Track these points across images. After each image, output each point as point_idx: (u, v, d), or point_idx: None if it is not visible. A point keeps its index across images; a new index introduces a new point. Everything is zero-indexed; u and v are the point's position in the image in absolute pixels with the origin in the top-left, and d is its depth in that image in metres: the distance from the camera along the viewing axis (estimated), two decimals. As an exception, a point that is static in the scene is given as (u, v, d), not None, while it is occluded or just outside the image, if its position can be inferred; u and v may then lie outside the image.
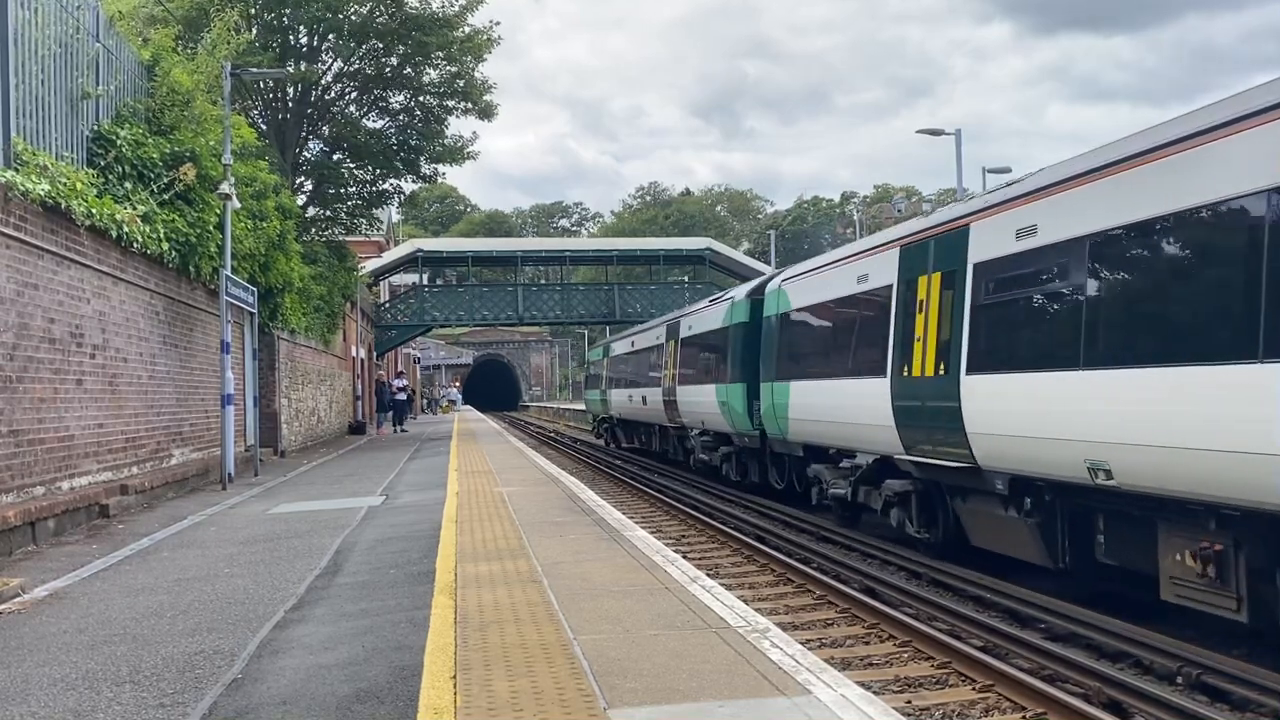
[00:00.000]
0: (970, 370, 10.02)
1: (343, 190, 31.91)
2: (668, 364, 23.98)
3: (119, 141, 13.79)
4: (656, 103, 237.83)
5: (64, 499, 11.00)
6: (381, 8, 28.11)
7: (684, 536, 14.78)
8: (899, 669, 7.81)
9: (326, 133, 30.93)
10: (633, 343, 30.62)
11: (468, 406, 78.40)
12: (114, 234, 12.74)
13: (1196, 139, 7.22)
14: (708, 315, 20.96)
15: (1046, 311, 8.97)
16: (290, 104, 29.52)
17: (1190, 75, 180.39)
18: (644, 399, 27.06)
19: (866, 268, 13.12)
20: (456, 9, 29.16)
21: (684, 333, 22.93)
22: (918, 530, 11.73)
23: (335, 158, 31.28)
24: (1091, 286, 8.20)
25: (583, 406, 74.80)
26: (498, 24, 30.23)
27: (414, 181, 33.15)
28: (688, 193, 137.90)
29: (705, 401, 20.18)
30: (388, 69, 29.82)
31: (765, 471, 17.86)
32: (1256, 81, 7.38)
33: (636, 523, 11.94)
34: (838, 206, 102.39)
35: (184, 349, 16.42)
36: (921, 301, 11.30)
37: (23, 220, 10.37)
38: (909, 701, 6.94)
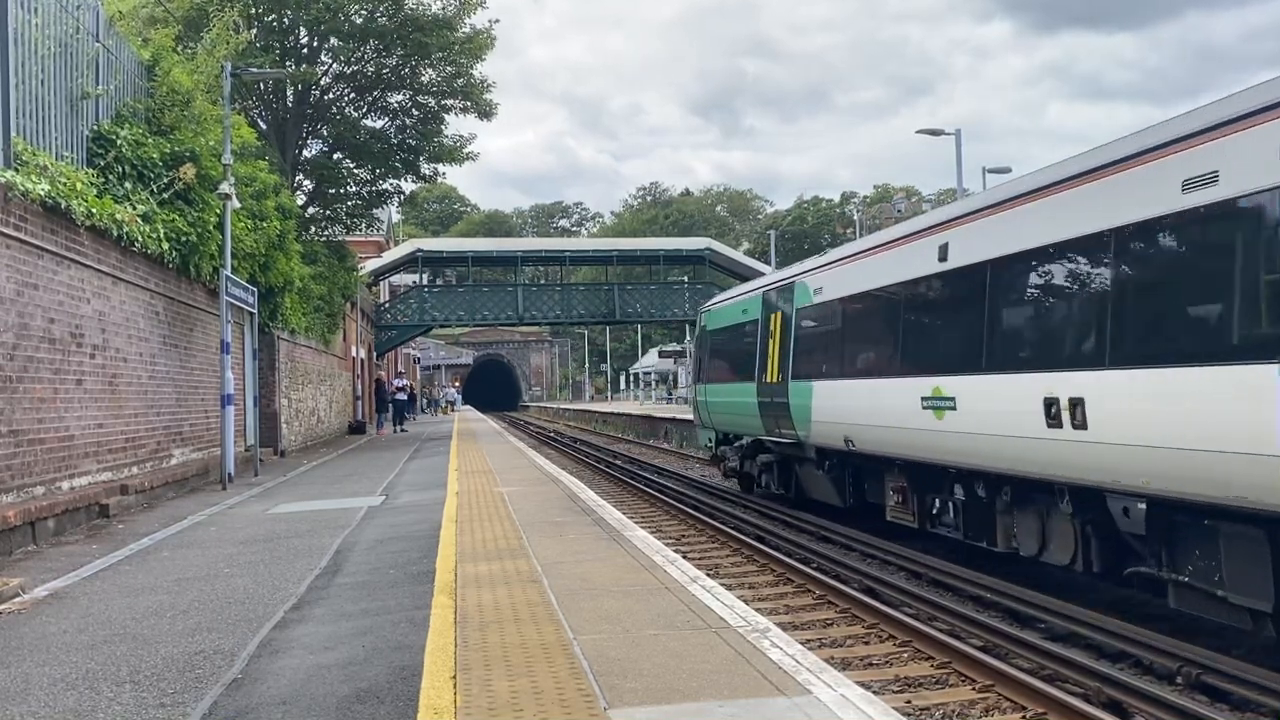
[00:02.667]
0: None
1: (342, 190, 31.95)
2: None
3: (119, 141, 13.79)
4: (655, 101, 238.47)
5: (64, 499, 11.00)
6: (382, 9, 28.12)
7: (684, 536, 14.78)
8: (899, 669, 7.81)
9: (326, 133, 30.96)
10: (979, 237, 10.04)
11: (467, 406, 78.43)
12: (114, 234, 12.74)
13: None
14: None
15: None
16: (290, 104, 29.53)
17: (1192, 74, 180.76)
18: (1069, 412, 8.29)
19: None
20: (455, 9, 29.19)
21: None
22: None
23: (335, 157, 31.31)
24: None
25: (583, 407, 74.15)
26: (496, 22, 30.27)
27: (414, 181, 33.21)
28: (688, 193, 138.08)
29: None
30: (386, 69, 29.85)
31: None
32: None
33: (636, 523, 11.93)
34: (838, 206, 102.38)
35: (184, 349, 16.42)
36: None
37: (23, 220, 10.37)
38: (909, 701, 6.94)
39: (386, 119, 31.69)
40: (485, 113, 31.23)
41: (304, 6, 26.74)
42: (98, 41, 13.84)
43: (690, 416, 38.10)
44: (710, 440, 20.97)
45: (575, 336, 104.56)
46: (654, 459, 30.46)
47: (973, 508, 10.53)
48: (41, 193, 10.57)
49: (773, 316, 16.23)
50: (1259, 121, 6.52)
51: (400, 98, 31.19)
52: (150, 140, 14.87)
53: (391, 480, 16.71)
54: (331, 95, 30.65)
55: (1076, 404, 8.15)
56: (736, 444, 18.89)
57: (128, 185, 13.87)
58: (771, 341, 16.07)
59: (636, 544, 9.06)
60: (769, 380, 15.98)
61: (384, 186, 32.19)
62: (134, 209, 13.53)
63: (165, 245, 14.62)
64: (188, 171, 15.17)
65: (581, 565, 8.03)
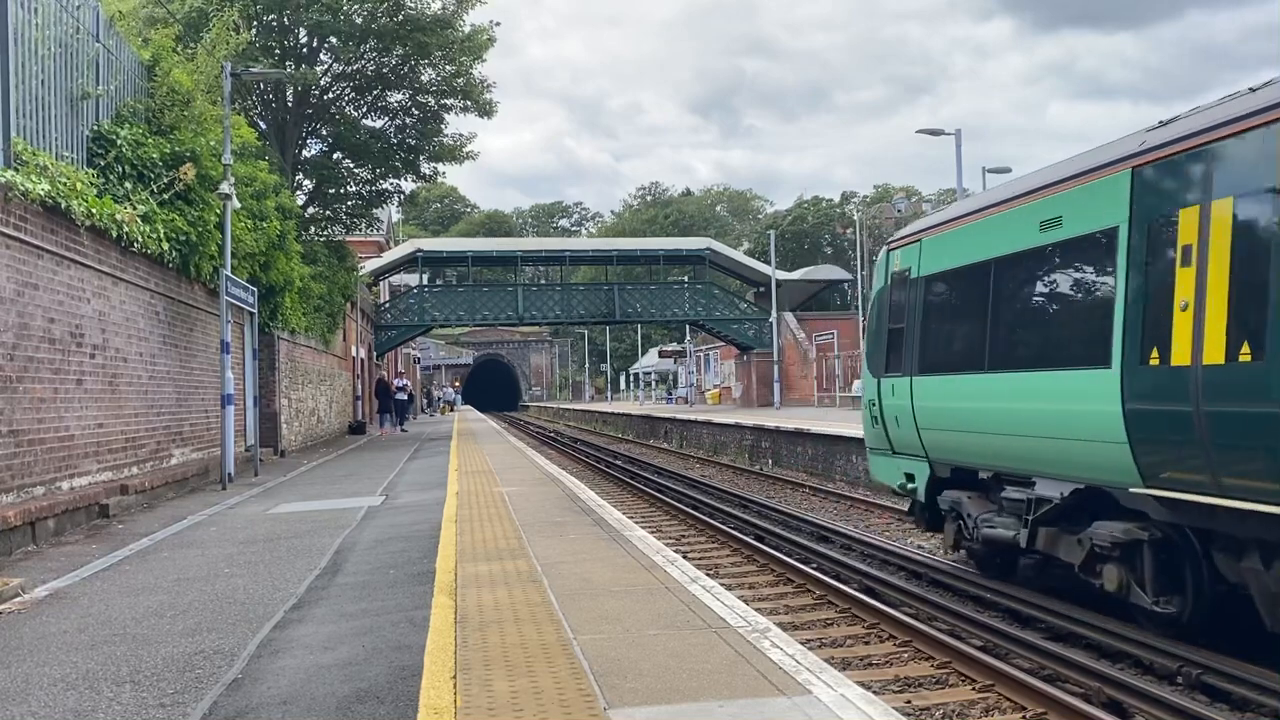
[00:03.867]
0: None
1: (342, 190, 31.96)
2: None
3: (119, 141, 13.80)
4: (654, 100, 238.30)
5: (64, 499, 11.00)
6: (382, 8, 28.14)
7: (684, 536, 14.79)
8: (899, 669, 7.81)
9: (326, 132, 30.98)
10: None
11: (467, 406, 78.46)
12: (114, 234, 12.74)
13: None
14: None
15: None
16: (290, 104, 29.55)
17: (1192, 73, 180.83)
18: None
19: None
20: (454, 7, 29.21)
21: None
22: None
23: (335, 157, 31.33)
24: None
25: (584, 407, 73.93)
26: (498, 24, 30.32)
27: (414, 181, 33.23)
28: (688, 192, 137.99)
29: None
30: (386, 69, 29.87)
31: None
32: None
33: (636, 523, 11.94)
34: (837, 206, 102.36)
35: (184, 349, 16.42)
36: None
37: (23, 220, 10.38)
38: (909, 701, 6.94)
39: (386, 118, 31.75)
40: (486, 111, 31.24)
41: (304, 7, 26.75)
42: (98, 41, 13.84)
43: (693, 417, 37.63)
44: (910, 478, 11.18)
45: (575, 336, 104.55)
46: (654, 459, 30.48)
47: None
48: (41, 193, 10.57)
49: (1188, 215, 6.94)
50: None
51: (400, 97, 31.23)
52: (150, 140, 14.88)
53: (391, 480, 16.71)
54: (331, 95, 30.67)
55: None
56: (1023, 496, 9.03)
57: (128, 185, 13.88)
58: (1190, 275, 6.87)
59: (636, 544, 9.06)
60: (1184, 362, 6.82)
61: (384, 186, 32.24)
62: (134, 209, 13.53)
63: (165, 245, 14.62)
64: (188, 171, 15.17)
65: (582, 565, 8.03)
